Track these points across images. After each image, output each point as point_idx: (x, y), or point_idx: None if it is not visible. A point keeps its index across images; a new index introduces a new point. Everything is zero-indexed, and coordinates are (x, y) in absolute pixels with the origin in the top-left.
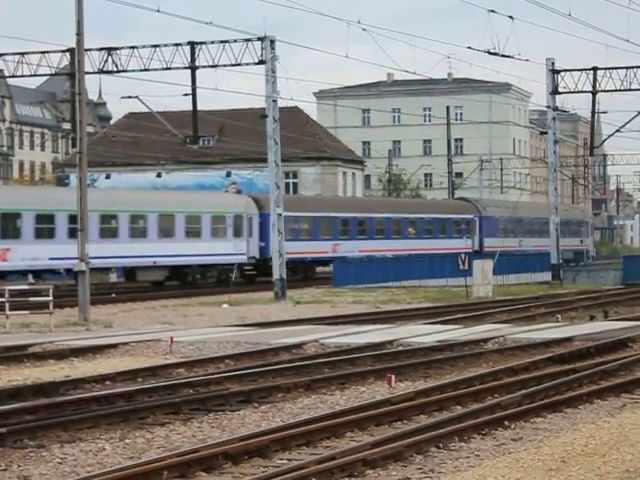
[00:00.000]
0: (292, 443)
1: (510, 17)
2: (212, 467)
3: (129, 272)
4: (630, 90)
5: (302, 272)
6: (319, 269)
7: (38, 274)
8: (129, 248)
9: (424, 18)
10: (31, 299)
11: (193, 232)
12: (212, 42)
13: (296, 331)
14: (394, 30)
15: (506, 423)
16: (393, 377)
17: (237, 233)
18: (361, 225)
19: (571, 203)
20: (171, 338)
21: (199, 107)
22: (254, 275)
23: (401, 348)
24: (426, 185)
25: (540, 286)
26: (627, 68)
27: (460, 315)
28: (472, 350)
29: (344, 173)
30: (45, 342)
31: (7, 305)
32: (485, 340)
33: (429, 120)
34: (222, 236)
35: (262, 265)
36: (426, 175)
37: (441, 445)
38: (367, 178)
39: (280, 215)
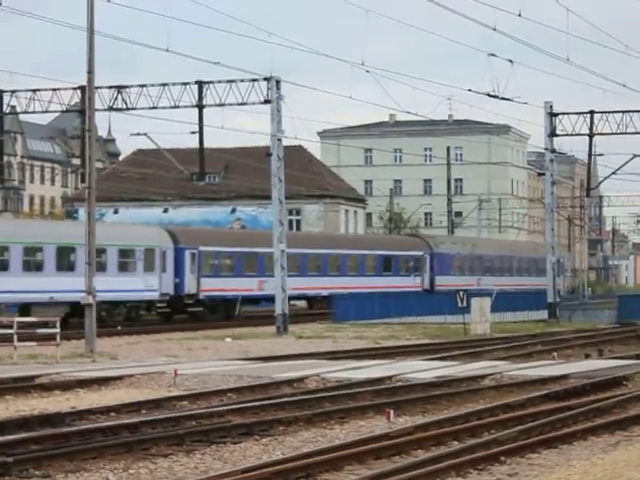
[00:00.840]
0: (292, 476)
1: (510, 61)
2: None
3: (22, 308)
4: (626, 133)
5: (223, 311)
6: (248, 308)
7: None
8: (22, 282)
9: (426, 60)
10: (38, 331)
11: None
12: (219, 81)
13: (298, 365)
14: (396, 72)
15: (502, 458)
16: (392, 412)
17: (148, 268)
18: (293, 261)
19: (543, 241)
20: (175, 371)
21: (206, 144)
22: (170, 313)
23: (400, 383)
24: (426, 224)
25: (537, 324)
26: (623, 112)
27: (458, 352)
28: (469, 386)
29: (346, 211)
30: (52, 373)
31: (15, 336)
32: (482, 377)
33: (430, 160)
34: (131, 271)
35: (177, 303)
36: (426, 214)
37: (438, 479)
38: (369, 216)
39: (283, 251)
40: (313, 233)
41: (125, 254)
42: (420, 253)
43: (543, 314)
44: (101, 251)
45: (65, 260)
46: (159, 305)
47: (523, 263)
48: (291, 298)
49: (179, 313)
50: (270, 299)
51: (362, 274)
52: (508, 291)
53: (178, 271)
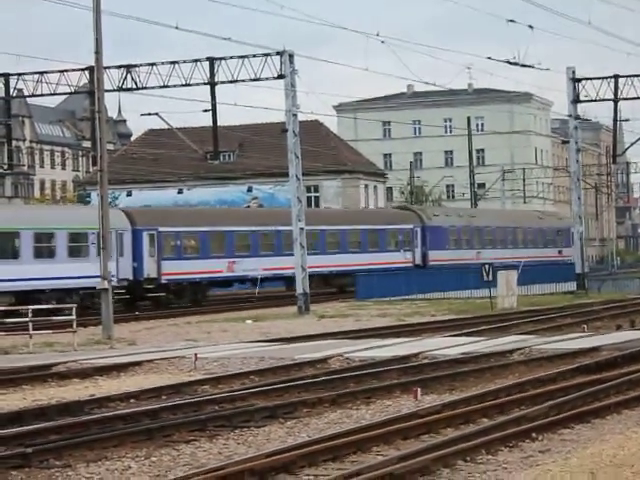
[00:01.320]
0: (319, 458)
1: (530, 26)
2: None
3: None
4: None
5: (190, 295)
6: (219, 291)
7: None
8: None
9: (443, 29)
10: (54, 318)
11: (44, 252)
12: (231, 57)
13: (320, 345)
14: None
15: (533, 435)
16: (419, 390)
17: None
18: (266, 239)
19: (550, 210)
20: (195, 355)
21: (219, 122)
22: (131, 299)
23: (426, 361)
24: (448, 197)
25: (565, 296)
26: None
27: (485, 327)
28: (498, 362)
29: (366, 186)
30: (69, 361)
31: (30, 325)
32: (511, 351)
33: (450, 131)
34: (84, 256)
35: (136, 288)
36: (448, 186)
37: (468, 458)
38: (389, 190)
39: (302, 229)
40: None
41: (76, 238)
42: (409, 226)
43: (571, 286)
44: (49, 236)
45: (5, 247)
46: (117, 292)
47: (528, 234)
48: (267, 279)
49: (140, 299)
50: (243, 281)
51: (345, 251)
52: (531, 263)
53: (136, 255)
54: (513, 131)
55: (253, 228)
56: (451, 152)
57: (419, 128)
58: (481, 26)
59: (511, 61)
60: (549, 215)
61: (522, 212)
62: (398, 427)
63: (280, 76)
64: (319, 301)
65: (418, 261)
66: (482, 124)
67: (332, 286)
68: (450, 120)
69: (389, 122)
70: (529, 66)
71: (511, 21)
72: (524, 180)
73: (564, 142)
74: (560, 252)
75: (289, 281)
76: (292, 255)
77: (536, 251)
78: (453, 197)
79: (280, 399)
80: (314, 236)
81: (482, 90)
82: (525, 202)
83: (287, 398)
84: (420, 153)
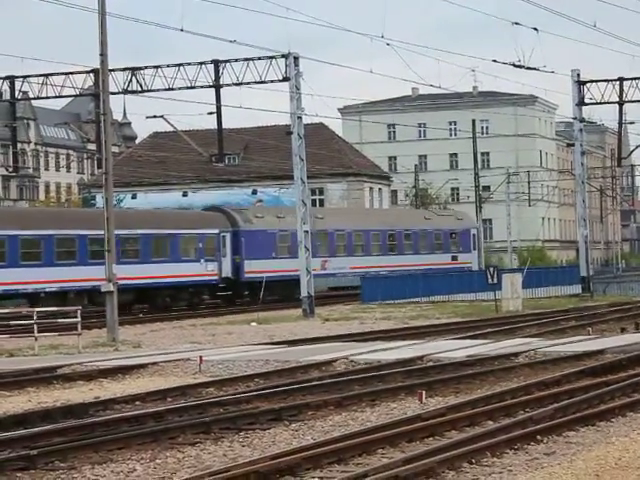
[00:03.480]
0: (323, 461)
1: (535, 29)
2: None
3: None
4: None
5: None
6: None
7: None
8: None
9: (448, 32)
10: (59, 320)
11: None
12: (236, 60)
13: (325, 348)
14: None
15: (538, 437)
16: (424, 393)
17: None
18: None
19: (449, 210)
20: (200, 357)
21: (224, 125)
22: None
23: (431, 364)
24: (453, 199)
25: (570, 299)
26: None
27: (490, 329)
28: (503, 364)
29: (370, 189)
30: (74, 363)
31: (35, 327)
32: (516, 354)
33: (455, 134)
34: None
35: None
36: (453, 189)
37: (474, 461)
38: (394, 193)
39: (307, 232)
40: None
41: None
42: (214, 231)
43: (576, 289)
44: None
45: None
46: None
47: (405, 238)
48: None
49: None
50: None
51: (144, 260)
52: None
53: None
54: (518, 134)
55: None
56: (456, 155)
57: (424, 131)
58: (486, 29)
59: (516, 64)
60: (442, 215)
61: (401, 212)
62: (403, 429)
63: (285, 79)
64: (324, 304)
65: (227, 273)
66: (487, 127)
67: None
68: (455, 123)
69: (394, 125)
70: (534, 69)
71: (516, 24)
72: (529, 183)
73: (569, 145)
74: (454, 259)
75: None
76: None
77: (416, 258)
78: (458, 200)
79: (285, 402)
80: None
81: (487, 93)
82: (530, 205)
83: (292, 401)
84: (425, 156)
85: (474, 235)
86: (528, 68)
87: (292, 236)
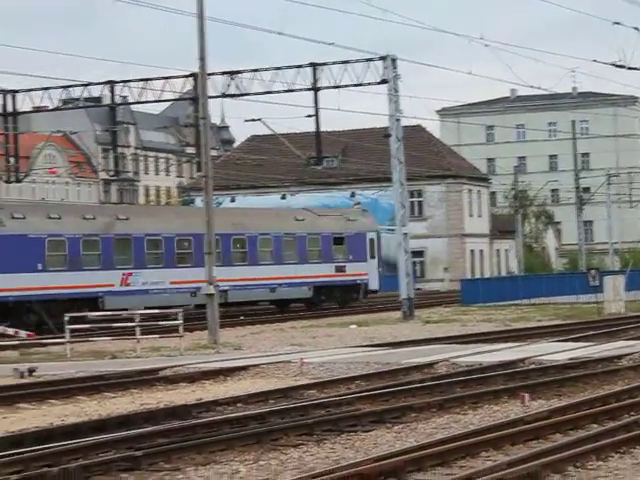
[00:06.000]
0: (427, 463)
1: (636, 28)
2: None
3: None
4: None
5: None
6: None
7: None
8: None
9: (547, 33)
10: (161, 323)
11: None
12: (334, 63)
13: (426, 350)
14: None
15: None
16: (527, 395)
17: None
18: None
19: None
20: (301, 359)
21: (322, 128)
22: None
23: (533, 366)
24: (553, 201)
25: None
26: None
27: (592, 332)
28: (606, 367)
29: (469, 191)
30: (176, 365)
31: (138, 329)
32: (619, 357)
33: (554, 135)
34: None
35: None
36: (553, 191)
37: (578, 464)
38: (493, 195)
39: (406, 234)
40: None
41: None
42: None
43: None
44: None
45: None
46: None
47: (261, 244)
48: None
49: None
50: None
51: None
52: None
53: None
54: (618, 135)
55: None
56: (555, 156)
57: (523, 132)
58: (586, 29)
59: (617, 64)
60: (324, 215)
61: (261, 211)
62: (506, 432)
63: (383, 81)
64: (422, 306)
65: None
66: (587, 128)
67: None
68: (554, 124)
69: (492, 126)
70: (635, 69)
71: (617, 23)
72: (630, 184)
73: None
74: (340, 270)
75: None
76: None
77: (276, 269)
78: (558, 202)
79: (387, 404)
80: None
81: (587, 94)
82: (631, 207)
83: (394, 403)
84: (524, 157)
85: (372, 240)
86: (629, 68)
87: (73, 242)
